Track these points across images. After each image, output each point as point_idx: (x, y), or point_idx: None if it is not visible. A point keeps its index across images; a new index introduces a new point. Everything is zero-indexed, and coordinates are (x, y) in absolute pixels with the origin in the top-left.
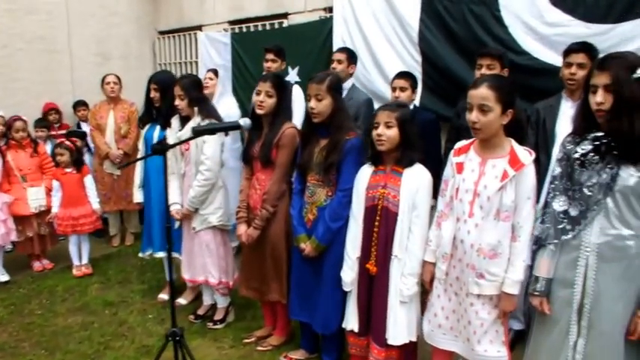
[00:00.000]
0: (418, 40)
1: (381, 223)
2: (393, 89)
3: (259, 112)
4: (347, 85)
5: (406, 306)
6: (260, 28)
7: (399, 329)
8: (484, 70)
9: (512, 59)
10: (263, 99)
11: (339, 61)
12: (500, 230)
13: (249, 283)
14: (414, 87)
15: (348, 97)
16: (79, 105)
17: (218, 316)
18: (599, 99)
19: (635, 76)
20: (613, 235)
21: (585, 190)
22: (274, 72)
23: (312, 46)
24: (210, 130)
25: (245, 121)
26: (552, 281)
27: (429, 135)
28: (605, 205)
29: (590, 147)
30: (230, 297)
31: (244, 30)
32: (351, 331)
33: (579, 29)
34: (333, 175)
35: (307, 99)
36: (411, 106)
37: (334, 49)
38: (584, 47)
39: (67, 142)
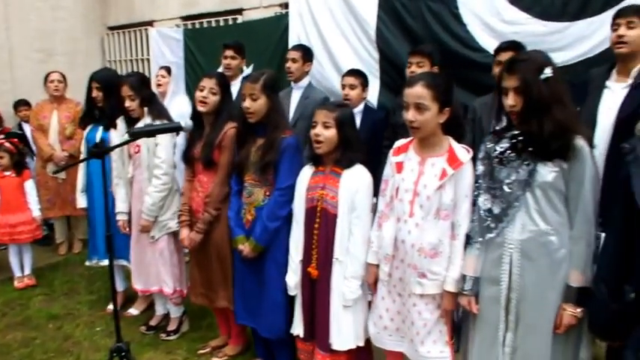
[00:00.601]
0: (375, 37)
1: (321, 225)
2: (343, 87)
3: (201, 109)
4: (303, 83)
5: (350, 310)
6: (214, 24)
7: (344, 334)
8: (414, 68)
9: (471, 57)
10: (206, 95)
11: (294, 60)
12: (440, 229)
13: (198, 290)
14: (364, 85)
15: (305, 96)
16: (21, 105)
17: (171, 327)
18: (510, 102)
19: (542, 76)
20: (534, 231)
21: (505, 188)
22: (220, 71)
23: (267, 43)
24: (148, 133)
25: (187, 122)
26: (480, 280)
27: (381, 134)
28: (526, 202)
29: (507, 145)
30: (184, 306)
31: (197, 26)
32: (299, 336)
33: (536, 27)
34: (271, 175)
35: (242, 98)
36: (361, 105)
37: (290, 46)
38: (513, 46)
39: (7, 144)
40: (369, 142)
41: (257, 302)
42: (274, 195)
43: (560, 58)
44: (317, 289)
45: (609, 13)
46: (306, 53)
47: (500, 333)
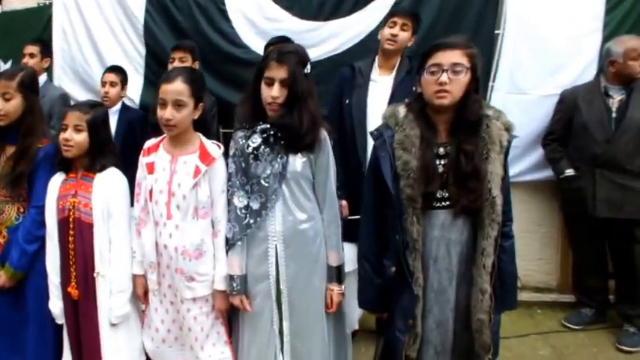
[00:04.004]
0: (143, 32)
1: (76, 237)
2: (103, 84)
3: None
4: (40, 80)
5: (122, 327)
6: None
7: (117, 356)
8: (177, 64)
9: (234, 53)
10: None
11: (32, 55)
12: (201, 228)
13: None
14: (124, 82)
15: (41, 95)
16: None
17: None
18: (275, 93)
19: (305, 71)
20: (293, 221)
21: (263, 182)
22: None
23: (28, 37)
24: None
25: None
26: (249, 277)
27: (140, 133)
28: (283, 193)
29: (260, 140)
30: None
31: None
32: None
33: (295, 25)
34: (24, 189)
35: None
36: (119, 104)
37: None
38: (284, 41)
39: None
40: (125, 142)
41: (21, 339)
42: (30, 213)
43: (313, 53)
44: (80, 310)
45: (356, 16)
46: (45, 48)
47: (275, 326)
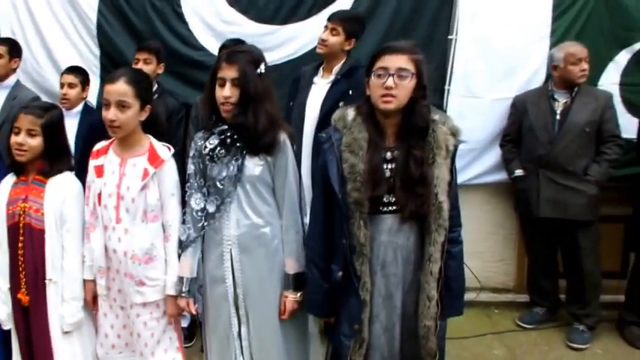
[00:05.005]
0: (96, 32)
1: (26, 243)
2: (62, 85)
3: None
4: (10, 82)
5: (75, 335)
6: None
7: None
8: (140, 65)
9: (191, 55)
10: None
11: (0, 56)
12: (150, 232)
13: None
14: (84, 83)
15: (12, 96)
16: None
17: None
18: (226, 93)
19: (258, 71)
20: (248, 225)
21: (218, 184)
22: None
23: None
24: None
25: None
26: (208, 279)
27: (105, 135)
28: (238, 197)
29: (217, 141)
30: None
31: None
32: None
33: (252, 28)
34: None
35: None
36: (81, 105)
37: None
38: (237, 43)
39: None
40: (87, 145)
41: None
42: None
43: (271, 57)
44: (31, 318)
45: (313, 20)
46: (14, 48)
47: (234, 329)
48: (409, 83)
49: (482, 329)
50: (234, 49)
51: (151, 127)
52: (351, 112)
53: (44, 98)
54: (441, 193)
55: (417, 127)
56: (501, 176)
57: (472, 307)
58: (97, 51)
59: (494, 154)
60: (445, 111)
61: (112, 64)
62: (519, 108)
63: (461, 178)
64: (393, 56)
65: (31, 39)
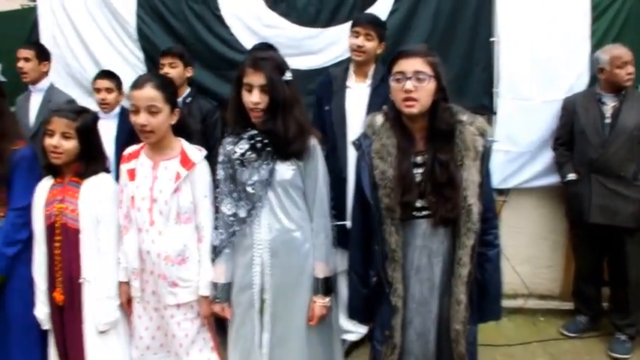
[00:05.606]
0: (138, 37)
1: (63, 243)
2: (97, 90)
3: None
4: (43, 85)
5: (112, 335)
6: None
7: None
8: (167, 69)
9: (236, 58)
10: None
11: (27, 59)
12: (184, 234)
13: None
14: (120, 87)
15: (47, 100)
16: None
17: None
18: (256, 99)
19: (284, 78)
20: (279, 229)
21: (249, 189)
22: None
23: (15, 40)
24: None
25: None
26: (235, 286)
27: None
28: (269, 201)
29: (247, 146)
30: None
31: None
32: None
33: (293, 32)
34: (3, 192)
35: None
36: (118, 108)
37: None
38: (265, 47)
39: None
40: (126, 147)
41: (4, 343)
42: (9, 216)
43: (315, 61)
44: (66, 317)
45: None
46: (42, 51)
47: (257, 336)
48: (428, 85)
49: (528, 337)
50: (257, 54)
51: (180, 130)
52: (379, 118)
53: (92, 101)
54: (470, 196)
55: (442, 130)
56: (553, 180)
57: (519, 314)
58: (140, 54)
59: (545, 158)
60: (494, 114)
61: (156, 67)
62: (569, 110)
63: (511, 183)
64: (409, 60)
65: (73, 44)
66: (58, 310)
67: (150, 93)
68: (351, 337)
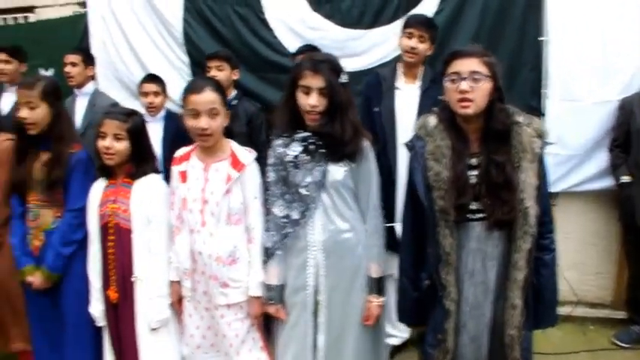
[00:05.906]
0: (184, 41)
1: (116, 242)
2: (145, 94)
3: None
4: (88, 89)
5: (163, 332)
6: (1, 22)
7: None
8: (214, 72)
9: (279, 61)
10: None
11: (74, 64)
12: (234, 235)
13: None
14: (165, 91)
15: (92, 103)
16: None
17: None
18: (314, 102)
19: (341, 80)
20: (333, 230)
21: (302, 190)
22: None
23: (66, 45)
24: None
25: None
26: (288, 287)
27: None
28: (323, 202)
29: (300, 148)
30: None
31: None
32: None
33: (337, 33)
34: (60, 194)
35: (17, 107)
36: (163, 112)
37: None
38: (310, 49)
39: None
40: (173, 149)
41: (59, 339)
42: (66, 217)
43: (359, 63)
44: (120, 314)
45: (398, 23)
46: (87, 57)
47: (309, 338)
48: (484, 86)
49: (577, 346)
50: (315, 56)
51: (226, 132)
52: (432, 120)
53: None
54: (527, 199)
55: (498, 131)
56: (603, 184)
57: (567, 322)
58: (185, 59)
59: (596, 161)
60: (542, 115)
61: (203, 71)
62: (626, 110)
63: (561, 186)
64: (465, 60)
65: (121, 49)
66: (112, 307)
67: (210, 96)
68: (394, 342)
